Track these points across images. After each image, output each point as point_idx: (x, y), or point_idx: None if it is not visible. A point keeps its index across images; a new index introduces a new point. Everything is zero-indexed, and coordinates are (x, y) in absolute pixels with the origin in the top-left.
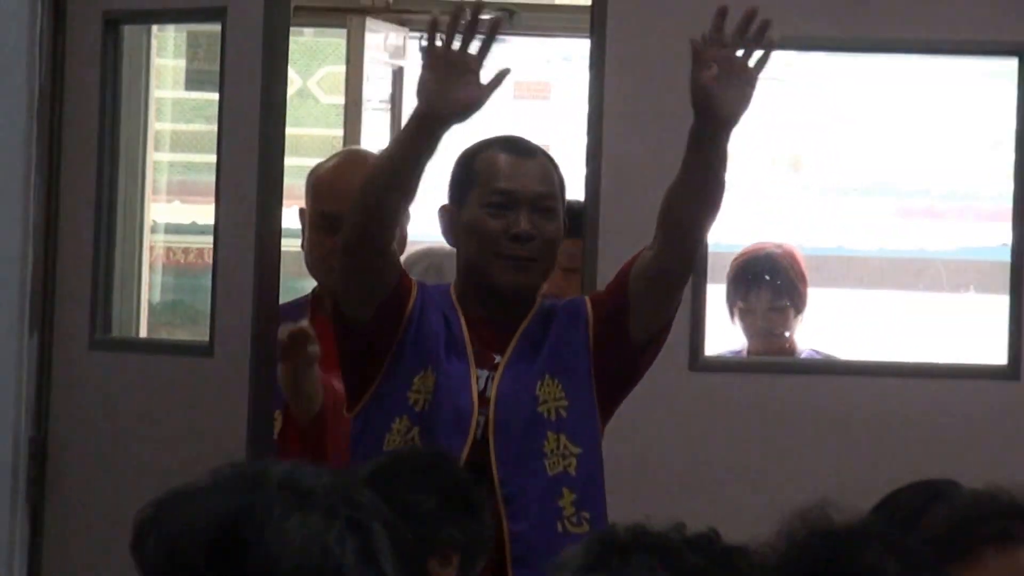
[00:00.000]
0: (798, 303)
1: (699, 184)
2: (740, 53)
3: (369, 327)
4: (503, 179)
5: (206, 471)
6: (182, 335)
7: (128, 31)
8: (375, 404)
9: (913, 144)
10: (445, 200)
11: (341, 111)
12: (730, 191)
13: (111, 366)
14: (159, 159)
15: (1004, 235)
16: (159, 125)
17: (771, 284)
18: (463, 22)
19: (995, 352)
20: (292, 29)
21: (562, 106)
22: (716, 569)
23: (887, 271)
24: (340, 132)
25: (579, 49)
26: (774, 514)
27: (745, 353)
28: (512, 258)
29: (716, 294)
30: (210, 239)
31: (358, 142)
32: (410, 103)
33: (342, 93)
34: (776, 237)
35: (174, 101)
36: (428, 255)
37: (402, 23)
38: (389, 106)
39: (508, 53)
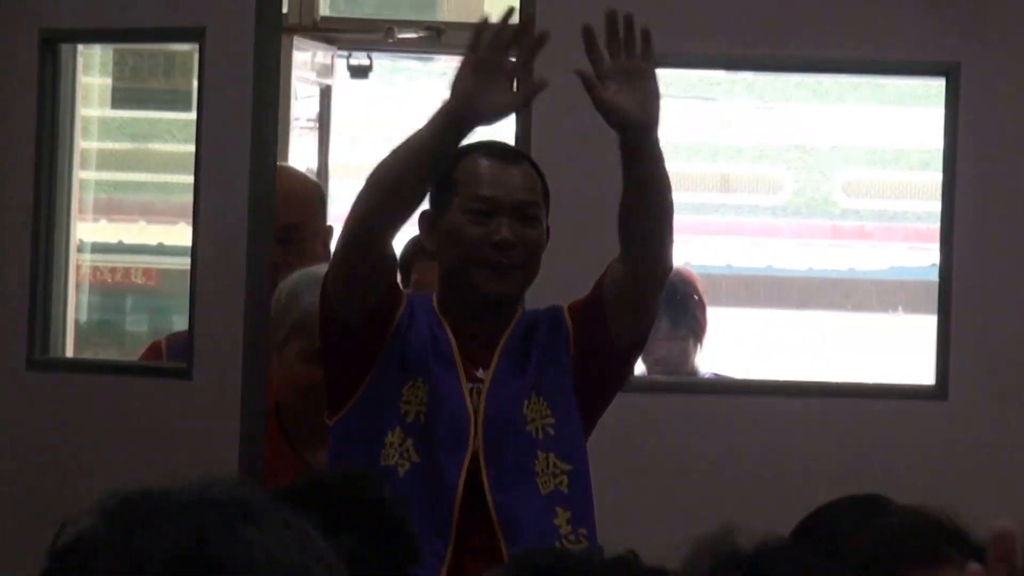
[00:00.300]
0: (698, 332)
1: (645, 195)
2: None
3: (359, 330)
4: (485, 186)
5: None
6: (108, 355)
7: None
8: (361, 412)
9: (843, 164)
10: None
11: None
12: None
13: (48, 386)
14: (85, 177)
15: (933, 256)
16: (85, 143)
17: (670, 313)
18: (509, 27)
19: (923, 372)
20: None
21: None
22: None
23: (817, 291)
24: None
25: None
26: (692, 537)
27: None
28: (494, 266)
29: None
30: (137, 258)
31: (286, 160)
32: (338, 122)
33: None
34: (705, 258)
35: (100, 119)
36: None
37: (329, 42)
38: (317, 125)
39: (436, 71)
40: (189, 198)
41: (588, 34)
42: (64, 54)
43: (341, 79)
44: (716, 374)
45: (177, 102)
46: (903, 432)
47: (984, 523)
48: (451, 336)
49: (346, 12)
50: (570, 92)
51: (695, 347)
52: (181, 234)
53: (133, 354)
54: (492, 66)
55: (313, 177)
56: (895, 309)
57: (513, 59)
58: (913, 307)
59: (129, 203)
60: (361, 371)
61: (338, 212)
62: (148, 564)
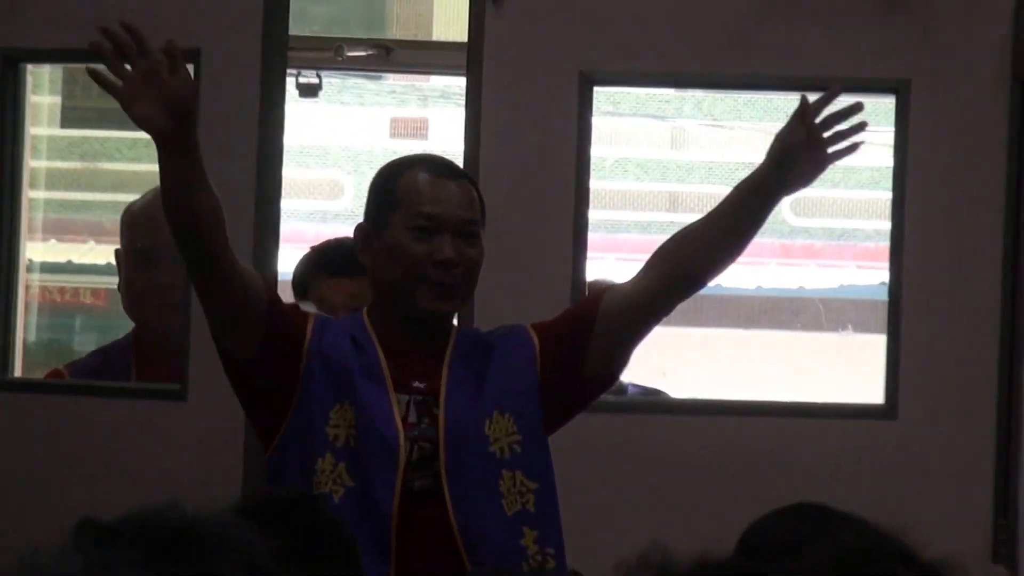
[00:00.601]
0: None
1: (736, 231)
2: (828, 135)
3: (259, 366)
4: (428, 202)
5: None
6: None
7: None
8: (290, 442)
9: None
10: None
11: None
12: (608, 228)
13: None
14: (35, 197)
15: (883, 275)
16: (34, 163)
17: None
18: (127, 41)
19: (873, 391)
20: None
21: (439, 144)
22: None
23: (766, 310)
24: None
25: (456, 87)
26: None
27: None
28: (436, 284)
29: None
30: (86, 278)
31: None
32: (287, 140)
33: None
34: None
35: (49, 138)
36: None
37: None
38: None
39: (386, 90)
40: None
41: (833, 92)
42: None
43: (290, 97)
44: (634, 385)
45: (127, 121)
46: (853, 451)
47: (934, 542)
48: (380, 351)
49: (295, 30)
50: (519, 124)
51: None
52: None
53: None
54: (141, 70)
55: None
56: (844, 328)
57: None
58: (863, 326)
59: (78, 223)
60: (281, 404)
61: (283, 230)
62: None
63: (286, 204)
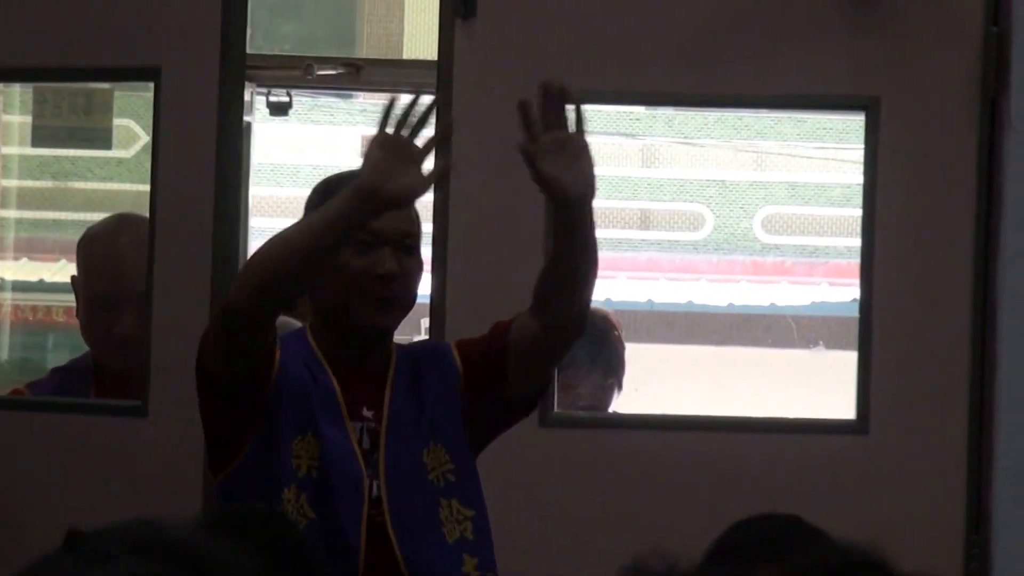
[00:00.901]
0: (620, 377)
1: (575, 264)
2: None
3: (240, 393)
4: None
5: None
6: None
7: None
8: (249, 469)
9: (763, 200)
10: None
11: None
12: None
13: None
14: (6, 216)
15: (854, 291)
16: (5, 181)
17: (595, 359)
18: (416, 111)
19: (844, 407)
20: (138, 84)
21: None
22: None
23: (737, 327)
24: None
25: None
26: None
27: None
28: (377, 299)
29: None
30: (57, 296)
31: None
32: (259, 157)
33: None
34: (625, 294)
35: (21, 157)
36: None
37: (249, 79)
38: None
39: (356, 109)
40: None
41: (524, 108)
42: None
43: (260, 116)
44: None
45: (98, 140)
46: (825, 467)
47: (906, 558)
48: (333, 379)
49: (265, 49)
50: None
51: (615, 387)
52: None
53: None
54: (400, 146)
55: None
56: (816, 345)
57: (420, 143)
58: (834, 343)
59: (49, 242)
60: (245, 430)
61: (254, 247)
62: None
63: (257, 222)
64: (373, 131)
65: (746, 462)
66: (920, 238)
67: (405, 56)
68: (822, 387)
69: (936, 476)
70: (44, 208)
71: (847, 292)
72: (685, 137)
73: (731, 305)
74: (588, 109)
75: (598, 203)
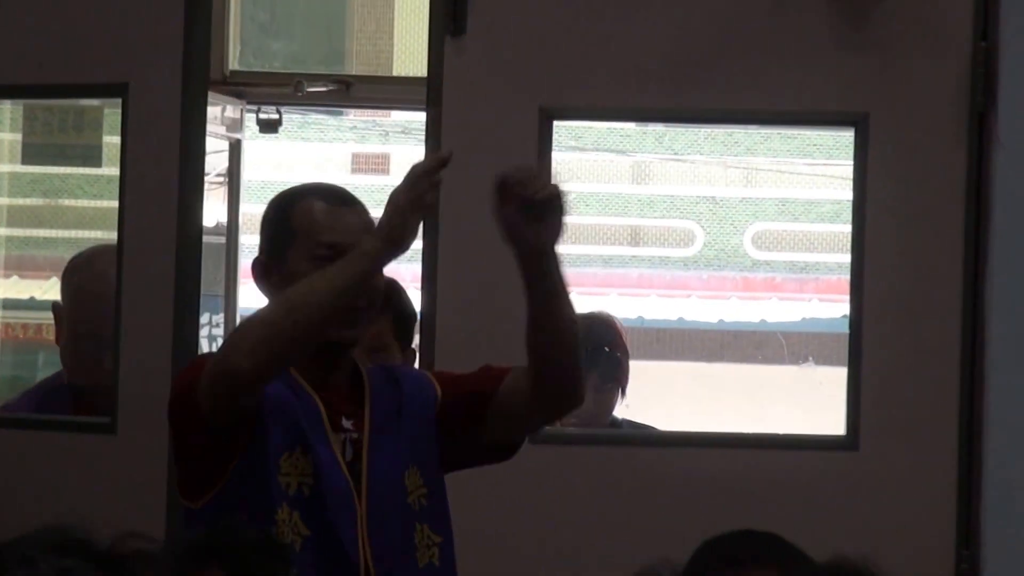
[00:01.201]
0: (623, 380)
1: (555, 322)
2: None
3: (228, 427)
4: (326, 231)
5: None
6: None
7: None
8: (232, 494)
9: (753, 216)
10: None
11: None
12: (571, 262)
13: None
14: None
15: (844, 307)
16: None
17: (596, 363)
18: (441, 161)
19: (834, 423)
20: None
21: (401, 178)
22: None
23: (728, 343)
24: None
25: (417, 122)
26: None
27: None
28: (342, 312)
29: None
30: (48, 315)
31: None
32: (249, 175)
33: None
34: (616, 310)
35: (11, 175)
36: None
37: (239, 96)
38: (226, 179)
39: (345, 126)
40: None
41: (502, 185)
42: None
43: (251, 133)
44: (628, 420)
45: (88, 157)
46: (815, 482)
47: (897, 572)
48: (313, 393)
49: (255, 66)
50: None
51: (617, 396)
52: None
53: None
54: (426, 203)
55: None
56: (806, 361)
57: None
58: (824, 359)
59: (40, 259)
60: (228, 457)
61: (244, 265)
62: None
63: (248, 239)
64: (362, 148)
65: (737, 478)
66: (910, 253)
67: (395, 73)
68: (812, 403)
69: (926, 491)
70: (35, 226)
71: (837, 308)
72: (675, 153)
73: (721, 321)
74: (579, 126)
75: (589, 220)
